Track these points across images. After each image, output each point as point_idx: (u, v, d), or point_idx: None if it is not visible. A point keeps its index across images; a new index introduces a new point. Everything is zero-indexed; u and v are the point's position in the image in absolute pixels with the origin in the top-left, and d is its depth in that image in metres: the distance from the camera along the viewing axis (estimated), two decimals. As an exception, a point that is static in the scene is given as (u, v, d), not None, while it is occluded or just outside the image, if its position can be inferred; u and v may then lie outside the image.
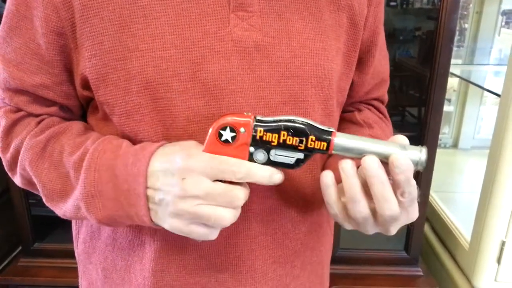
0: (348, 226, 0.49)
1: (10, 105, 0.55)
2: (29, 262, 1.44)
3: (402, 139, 0.45)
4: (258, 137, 0.44)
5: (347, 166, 0.44)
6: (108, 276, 0.59)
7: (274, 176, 0.45)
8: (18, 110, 0.54)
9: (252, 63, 0.49)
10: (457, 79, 2.15)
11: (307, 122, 0.44)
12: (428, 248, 1.63)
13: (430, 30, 1.49)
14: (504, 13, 2.17)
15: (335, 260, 1.27)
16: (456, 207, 1.64)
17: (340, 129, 0.64)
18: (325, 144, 0.44)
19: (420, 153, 0.43)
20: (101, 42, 0.48)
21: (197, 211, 0.44)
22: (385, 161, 0.43)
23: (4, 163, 0.56)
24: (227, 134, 0.44)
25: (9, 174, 0.57)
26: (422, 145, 0.44)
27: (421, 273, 1.41)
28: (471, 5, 2.15)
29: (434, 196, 1.72)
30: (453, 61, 1.23)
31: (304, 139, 0.44)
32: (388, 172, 0.43)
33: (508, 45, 1.72)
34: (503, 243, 1.24)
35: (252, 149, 0.44)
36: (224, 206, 0.44)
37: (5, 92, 0.54)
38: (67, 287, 1.37)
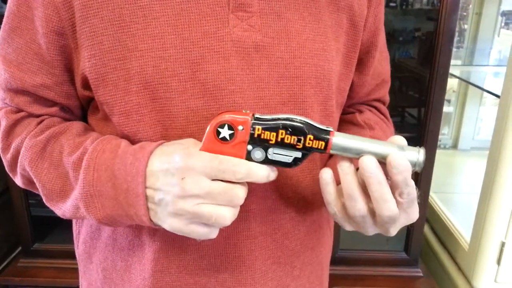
0: (347, 227, 0.49)
1: (11, 106, 0.55)
2: (28, 262, 1.43)
3: (400, 139, 0.45)
4: (256, 135, 0.44)
5: (344, 164, 0.44)
6: (108, 276, 0.59)
7: (271, 174, 0.45)
8: (19, 110, 0.55)
9: (251, 63, 0.49)
10: (457, 80, 2.15)
11: (305, 121, 0.44)
12: (428, 249, 1.63)
13: (430, 31, 1.48)
14: (504, 14, 2.17)
15: (335, 261, 1.27)
16: (456, 208, 1.64)
17: (340, 130, 0.64)
18: (323, 143, 0.44)
19: (418, 154, 0.43)
20: (101, 42, 0.48)
21: (198, 210, 0.44)
22: (383, 162, 0.43)
23: (4, 164, 0.56)
24: (225, 132, 0.44)
25: (10, 174, 0.57)
26: (421, 146, 0.44)
27: (421, 274, 1.41)
28: (470, 6, 2.15)
29: (434, 197, 1.72)
30: (452, 62, 1.23)
31: (302, 138, 0.44)
32: (386, 173, 0.43)
33: (507, 46, 1.72)
34: (502, 244, 1.24)
35: (250, 147, 0.44)
36: (224, 205, 0.44)
37: (6, 92, 0.54)
38: (66, 288, 1.37)
